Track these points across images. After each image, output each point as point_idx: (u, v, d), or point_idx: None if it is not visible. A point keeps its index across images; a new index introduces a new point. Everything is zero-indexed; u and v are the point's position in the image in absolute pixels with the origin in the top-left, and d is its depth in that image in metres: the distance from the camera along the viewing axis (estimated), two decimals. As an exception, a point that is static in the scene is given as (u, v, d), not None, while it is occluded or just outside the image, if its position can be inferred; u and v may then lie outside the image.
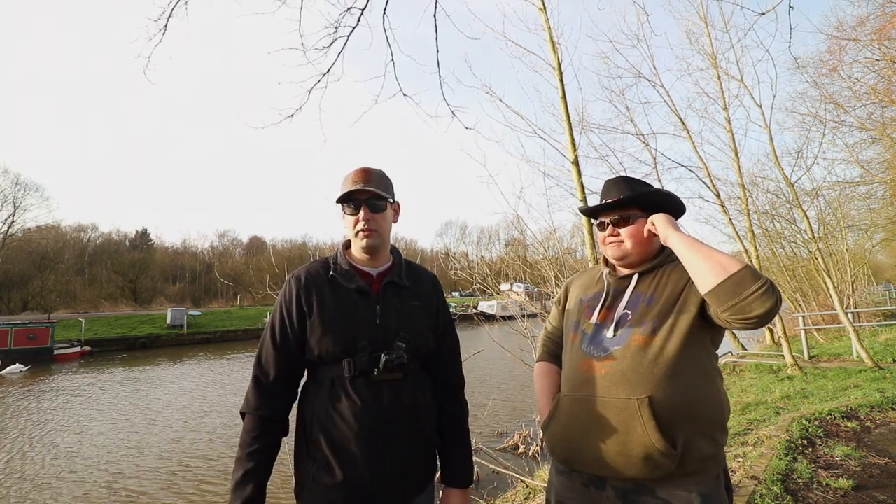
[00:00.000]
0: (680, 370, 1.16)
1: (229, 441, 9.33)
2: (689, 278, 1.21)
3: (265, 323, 1.32)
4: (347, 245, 1.44)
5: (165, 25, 2.71)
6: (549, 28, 5.01)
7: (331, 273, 1.34)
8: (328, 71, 2.92)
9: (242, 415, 1.28)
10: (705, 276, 1.11)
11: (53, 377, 17.56)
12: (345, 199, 1.34)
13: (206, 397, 13.67)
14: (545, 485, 1.47)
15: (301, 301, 1.29)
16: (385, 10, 2.86)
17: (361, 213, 1.33)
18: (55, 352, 21.74)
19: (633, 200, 1.33)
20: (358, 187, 1.32)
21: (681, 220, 1.39)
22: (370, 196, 1.34)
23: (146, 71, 2.81)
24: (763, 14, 2.73)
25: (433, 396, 1.43)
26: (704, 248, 1.16)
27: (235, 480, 1.20)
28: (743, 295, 1.05)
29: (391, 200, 1.40)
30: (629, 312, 1.27)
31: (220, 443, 9.37)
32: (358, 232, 1.33)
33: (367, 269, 1.39)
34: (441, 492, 1.43)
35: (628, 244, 1.32)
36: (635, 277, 1.32)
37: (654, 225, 1.29)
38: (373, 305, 1.32)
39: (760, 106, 8.94)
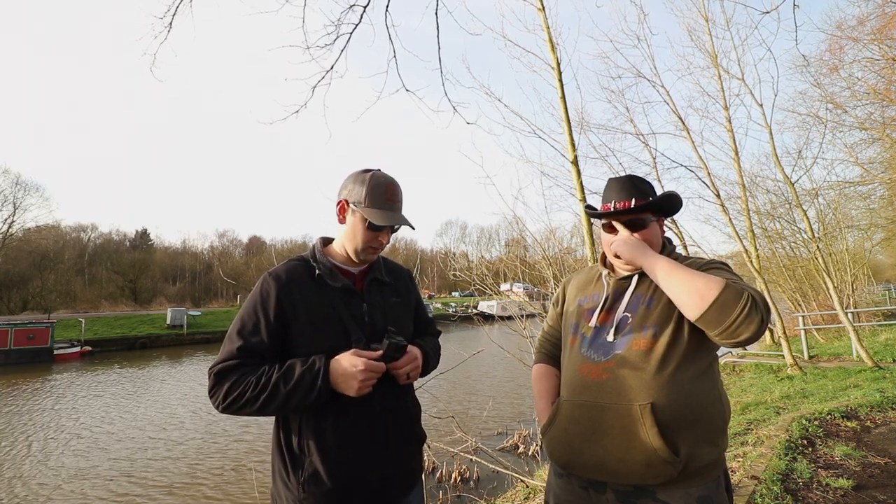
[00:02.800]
0: (682, 376, 1.15)
1: (229, 440, 9.33)
2: None
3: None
4: (325, 242, 1.41)
5: (171, 23, 2.73)
6: (548, 28, 5.01)
7: (317, 272, 1.29)
8: (332, 67, 2.94)
9: (218, 376, 1.17)
10: (687, 307, 1.10)
11: (53, 377, 17.54)
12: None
13: (206, 395, 13.66)
14: (545, 485, 1.45)
15: (281, 301, 1.22)
16: (387, 7, 2.87)
17: (383, 238, 1.32)
18: (55, 352, 21.71)
19: (647, 207, 1.31)
20: (394, 215, 1.29)
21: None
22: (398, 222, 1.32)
23: (153, 68, 2.83)
24: (767, 13, 2.73)
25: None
26: (679, 273, 1.13)
27: (278, 393, 1.13)
28: (728, 321, 1.03)
29: None
30: (629, 315, 1.25)
31: (220, 441, 9.37)
32: (370, 248, 1.32)
33: (349, 267, 1.37)
34: None
35: None
36: (635, 279, 1.30)
37: (616, 256, 1.29)
38: (359, 303, 1.31)
39: (761, 105, 8.95)
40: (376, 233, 1.29)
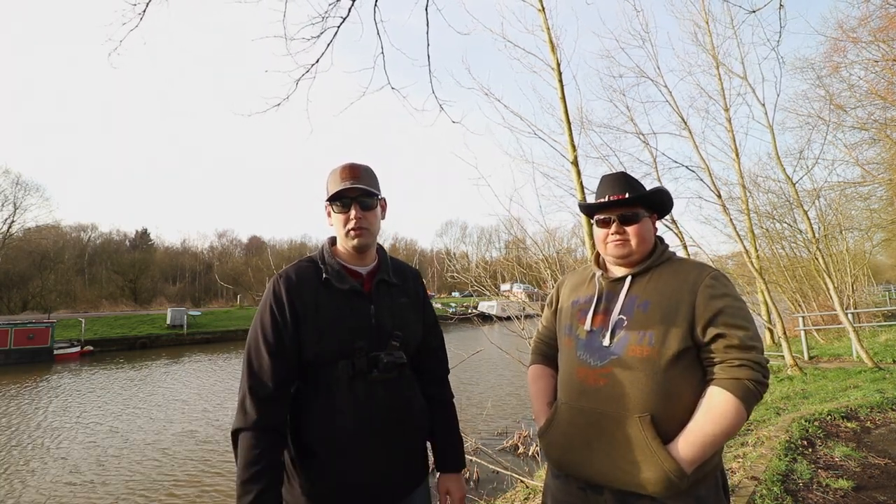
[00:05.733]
0: (679, 387, 1.15)
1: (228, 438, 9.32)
2: (684, 285, 1.20)
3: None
4: (332, 242, 1.41)
5: (144, 11, 2.65)
6: (548, 29, 5.02)
7: (324, 275, 1.30)
8: (317, 61, 2.89)
9: (236, 433, 1.17)
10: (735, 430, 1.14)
11: (53, 377, 17.54)
12: (334, 198, 1.31)
13: (205, 397, 13.67)
14: (543, 486, 1.45)
15: (294, 303, 1.24)
16: (376, 1, 2.82)
17: (352, 212, 1.30)
18: (55, 352, 21.71)
19: (640, 199, 1.30)
20: (347, 185, 1.29)
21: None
22: (360, 194, 1.31)
23: (112, 54, 2.75)
24: (753, 12, 2.73)
25: (423, 387, 1.44)
26: (713, 440, 1.11)
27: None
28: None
29: (380, 197, 1.38)
30: (624, 318, 1.24)
31: (220, 440, 9.36)
32: (349, 231, 1.31)
33: (356, 267, 1.37)
34: (437, 478, 1.43)
35: (633, 242, 1.28)
36: (628, 280, 1.29)
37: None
38: (367, 305, 1.31)
39: (763, 104, 8.96)
40: (346, 214, 1.31)
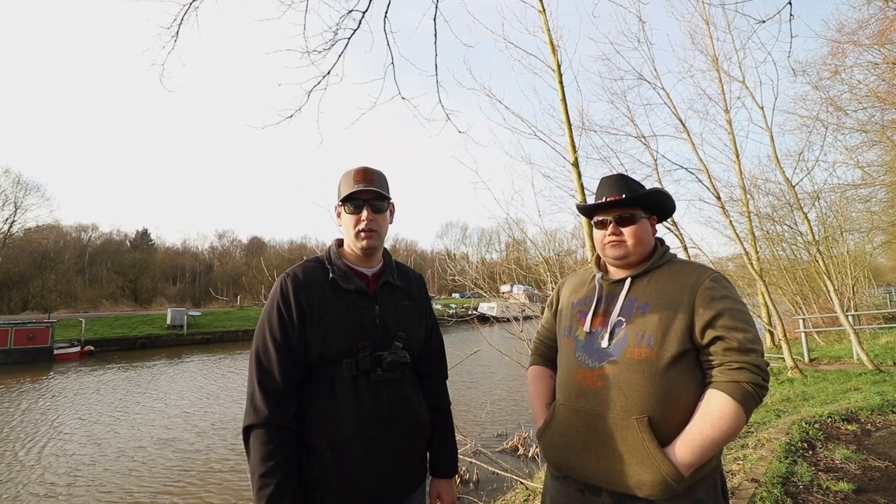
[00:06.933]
0: (678, 388, 1.15)
1: (228, 437, 9.32)
2: (683, 287, 1.20)
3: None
4: (340, 244, 1.43)
5: (177, 33, 2.75)
6: (549, 30, 5.02)
7: (330, 275, 1.32)
8: (328, 72, 2.93)
9: (248, 429, 1.18)
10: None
11: (53, 377, 17.54)
12: (347, 199, 1.33)
13: (205, 396, 13.67)
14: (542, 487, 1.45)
15: (301, 301, 1.26)
16: (386, 13, 2.87)
17: (364, 214, 1.32)
18: (55, 352, 21.72)
19: (637, 200, 1.30)
20: (361, 187, 1.31)
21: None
22: (372, 196, 1.33)
23: (162, 79, 2.85)
24: (763, 22, 2.74)
25: (422, 390, 1.45)
26: (711, 443, 1.10)
27: (266, 498, 1.10)
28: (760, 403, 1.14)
29: (390, 201, 1.41)
30: (623, 320, 1.24)
31: (220, 439, 9.36)
32: (359, 232, 1.33)
33: (362, 269, 1.39)
34: (430, 482, 1.45)
35: (630, 243, 1.29)
36: (628, 282, 1.29)
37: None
38: (372, 306, 1.33)
39: (762, 108, 8.97)
40: (357, 215, 1.33)
